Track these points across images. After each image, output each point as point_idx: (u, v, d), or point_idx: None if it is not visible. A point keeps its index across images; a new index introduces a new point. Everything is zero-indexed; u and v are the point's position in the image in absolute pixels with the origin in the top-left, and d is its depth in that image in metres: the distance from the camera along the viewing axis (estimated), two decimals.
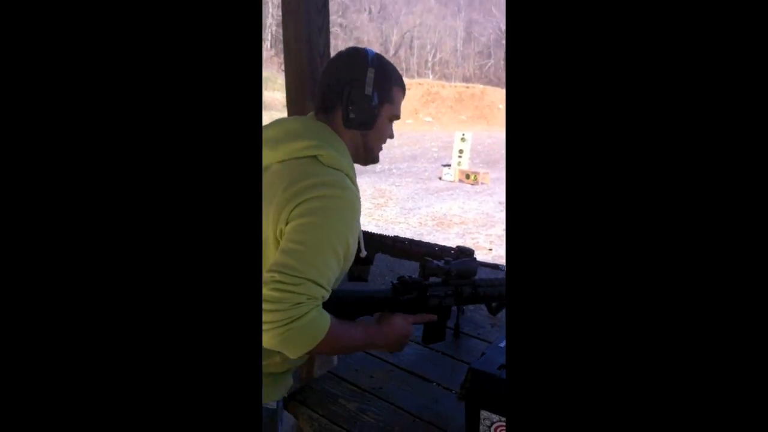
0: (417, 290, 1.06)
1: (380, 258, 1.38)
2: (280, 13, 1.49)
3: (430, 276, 1.07)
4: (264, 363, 0.98)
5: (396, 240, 1.37)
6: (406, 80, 1.21)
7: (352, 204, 0.92)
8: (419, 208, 7.12)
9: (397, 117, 1.07)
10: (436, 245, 1.34)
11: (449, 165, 10.02)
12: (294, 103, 1.53)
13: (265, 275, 0.83)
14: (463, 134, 10.36)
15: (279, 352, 0.86)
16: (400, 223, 6.31)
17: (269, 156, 0.96)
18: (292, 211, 0.88)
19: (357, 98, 0.98)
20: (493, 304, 1.21)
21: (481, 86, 30.47)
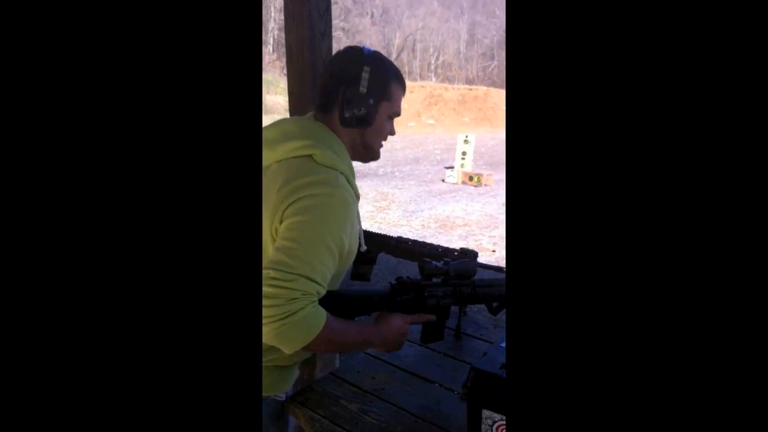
0: (415, 290, 1.06)
1: (383, 258, 1.39)
2: (283, 17, 1.50)
3: (429, 276, 1.07)
4: (271, 357, 1.00)
5: (399, 240, 1.37)
6: (408, 83, 1.21)
7: (345, 201, 0.93)
8: (422, 211, 7.10)
9: (397, 114, 1.07)
10: (439, 246, 1.33)
11: (452, 167, 9.97)
12: (296, 107, 1.54)
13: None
14: (467, 136, 10.30)
15: None
16: (402, 225, 6.29)
17: (268, 156, 0.97)
18: (286, 209, 0.89)
19: (352, 97, 0.98)
20: (494, 305, 1.21)
21: (485, 88, 30.37)
